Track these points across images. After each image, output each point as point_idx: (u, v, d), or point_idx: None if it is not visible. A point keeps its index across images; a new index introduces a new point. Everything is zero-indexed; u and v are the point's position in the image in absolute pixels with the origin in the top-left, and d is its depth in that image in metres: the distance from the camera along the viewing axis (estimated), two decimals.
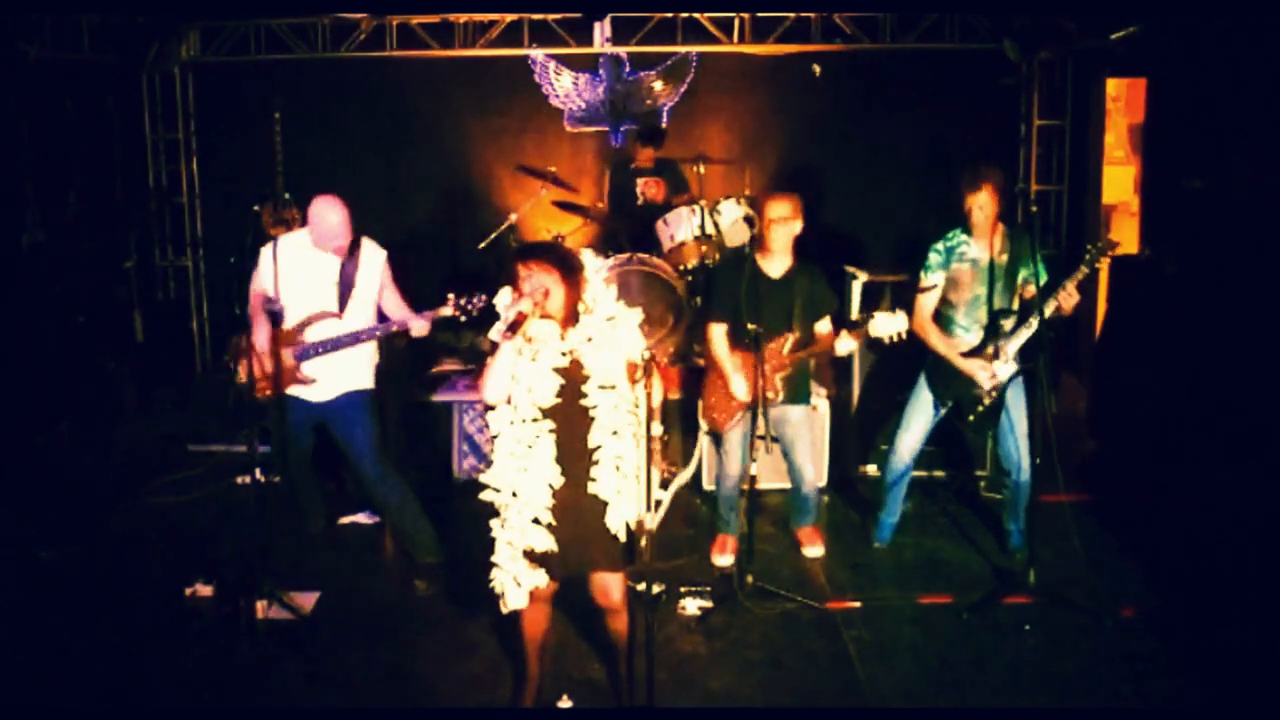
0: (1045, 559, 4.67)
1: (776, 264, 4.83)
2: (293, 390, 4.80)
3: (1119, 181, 8.09)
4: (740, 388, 4.78)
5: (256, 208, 7.84)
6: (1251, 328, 5.38)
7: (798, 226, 4.80)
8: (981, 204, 4.68)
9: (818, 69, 7.84)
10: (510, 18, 7.87)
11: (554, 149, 8.38)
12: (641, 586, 3.57)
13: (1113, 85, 7.90)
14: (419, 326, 4.81)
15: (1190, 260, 6.07)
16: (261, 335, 4.71)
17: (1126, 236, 7.85)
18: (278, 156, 7.87)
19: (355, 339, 4.80)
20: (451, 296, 4.65)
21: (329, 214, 4.65)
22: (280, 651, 4.31)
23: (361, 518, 5.67)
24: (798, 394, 4.96)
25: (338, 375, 4.83)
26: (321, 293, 4.79)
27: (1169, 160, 6.82)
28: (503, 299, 3.57)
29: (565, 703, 3.86)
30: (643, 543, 3.45)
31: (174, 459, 6.49)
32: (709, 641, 4.43)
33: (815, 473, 5.18)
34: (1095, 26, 7.16)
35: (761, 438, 4.67)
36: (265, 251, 4.77)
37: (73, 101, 7.37)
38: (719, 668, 4.23)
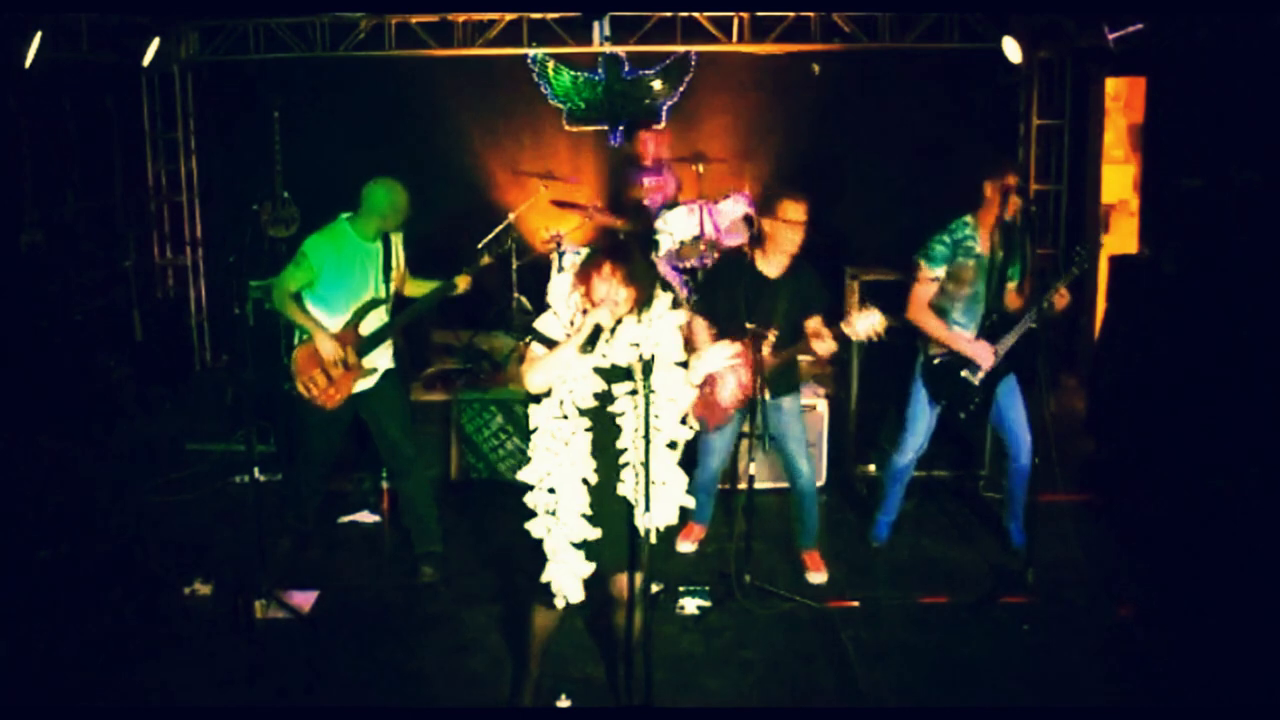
0: (1045, 559, 4.68)
1: (774, 264, 4.77)
2: (356, 388, 4.83)
3: (1118, 181, 8.09)
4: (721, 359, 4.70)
5: (255, 207, 7.87)
6: (1250, 327, 5.38)
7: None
8: (1006, 189, 4.61)
9: (817, 68, 7.85)
10: (509, 17, 7.86)
11: (553, 148, 8.37)
12: (640, 586, 3.57)
13: (1112, 84, 7.90)
14: (464, 284, 4.93)
15: (1189, 260, 6.07)
16: (327, 343, 4.71)
17: (1125, 236, 7.85)
18: (276, 155, 7.87)
19: (408, 320, 4.91)
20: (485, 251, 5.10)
21: (398, 195, 4.71)
22: (280, 651, 4.31)
23: (361, 517, 5.67)
24: (784, 386, 4.83)
25: (377, 358, 4.89)
26: (368, 281, 4.80)
27: (1168, 159, 6.82)
28: (559, 288, 3.51)
29: (564, 702, 3.86)
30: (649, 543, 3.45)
31: (172, 458, 6.49)
32: (707, 641, 4.43)
33: (812, 468, 5.00)
34: (1095, 26, 7.16)
35: (760, 436, 4.66)
36: (316, 252, 4.70)
37: (71, 100, 7.37)
38: (717, 667, 4.23)
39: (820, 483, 5.99)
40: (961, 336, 4.82)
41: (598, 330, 3.37)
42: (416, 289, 5.05)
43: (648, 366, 3.28)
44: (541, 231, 7.59)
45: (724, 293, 4.79)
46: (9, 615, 4.60)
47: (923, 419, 5.00)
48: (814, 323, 4.59)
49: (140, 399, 7.42)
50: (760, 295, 4.70)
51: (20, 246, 6.72)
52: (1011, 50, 7.56)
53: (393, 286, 4.89)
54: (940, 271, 4.77)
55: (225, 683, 4.11)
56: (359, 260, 4.76)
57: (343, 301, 4.76)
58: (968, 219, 4.79)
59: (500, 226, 7.47)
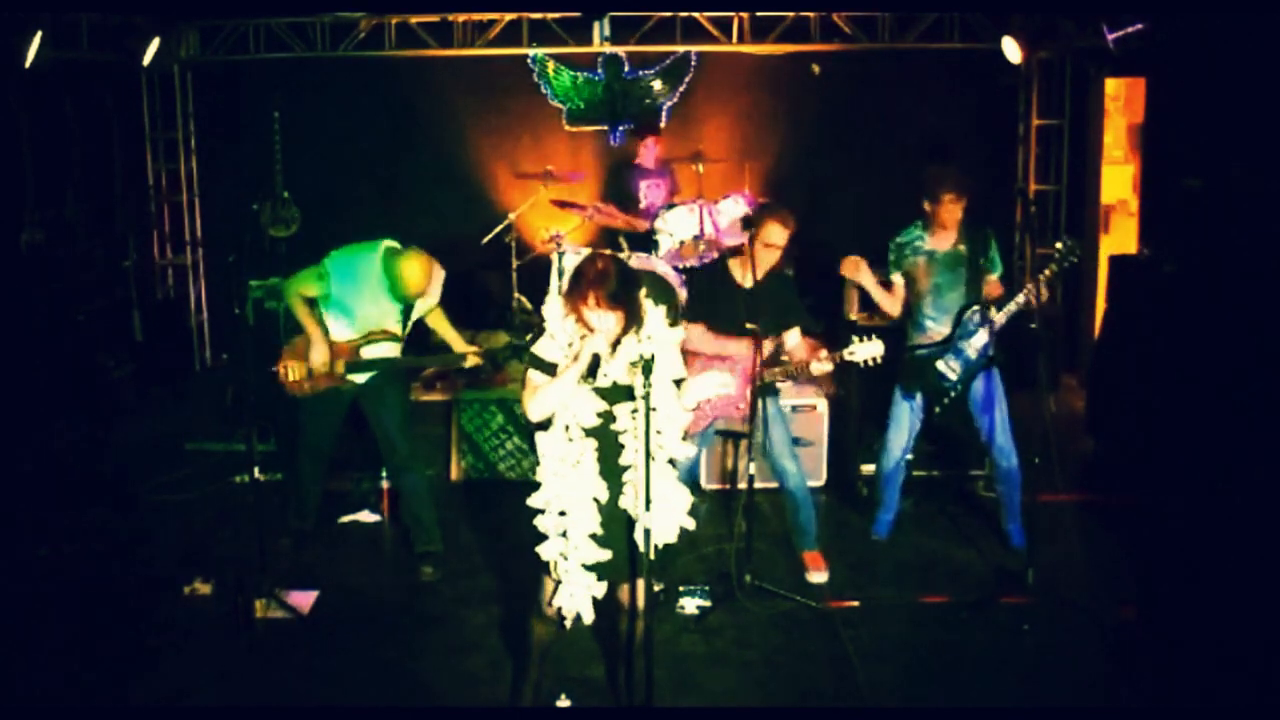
0: (1045, 559, 4.67)
1: (749, 275, 4.78)
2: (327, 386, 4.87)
3: (1117, 181, 8.08)
4: (734, 349, 4.72)
5: (255, 207, 7.88)
6: (1250, 327, 5.38)
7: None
8: (948, 209, 4.84)
9: (816, 68, 7.85)
10: (509, 17, 7.87)
11: (553, 148, 8.38)
12: (641, 586, 3.56)
13: (1112, 85, 7.90)
14: (473, 360, 4.93)
15: (1189, 260, 6.07)
16: (318, 352, 4.74)
17: (1125, 236, 7.85)
18: (276, 155, 7.88)
19: (410, 365, 4.94)
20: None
21: (418, 276, 4.62)
22: (280, 651, 4.31)
23: (362, 517, 5.67)
24: (763, 389, 4.78)
25: (363, 378, 4.89)
26: (387, 314, 4.81)
27: (1168, 160, 6.81)
28: (555, 311, 3.50)
29: (564, 702, 3.86)
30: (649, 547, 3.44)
31: (172, 458, 6.49)
32: (707, 641, 4.43)
33: (800, 468, 4.97)
34: (1095, 26, 7.17)
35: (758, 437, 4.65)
36: (336, 271, 4.71)
37: (71, 100, 7.37)
38: (717, 667, 4.23)
39: (820, 483, 5.99)
40: (932, 342, 4.94)
41: (596, 360, 3.37)
42: (439, 323, 5.06)
43: (648, 366, 3.28)
44: (541, 231, 7.59)
45: (709, 308, 4.80)
46: (9, 615, 4.60)
47: (903, 416, 5.06)
48: (803, 345, 4.72)
49: (140, 399, 7.43)
50: (739, 304, 4.70)
51: (20, 246, 6.73)
52: (1011, 50, 7.56)
53: (414, 318, 4.90)
54: (895, 278, 5.00)
55: (225, 683, 4.10)
56: (378, 294, 4.74)
57: (353, 320, 4.79)
58: (918, 224, 4.98)
59: (500, 226, 7.47)
